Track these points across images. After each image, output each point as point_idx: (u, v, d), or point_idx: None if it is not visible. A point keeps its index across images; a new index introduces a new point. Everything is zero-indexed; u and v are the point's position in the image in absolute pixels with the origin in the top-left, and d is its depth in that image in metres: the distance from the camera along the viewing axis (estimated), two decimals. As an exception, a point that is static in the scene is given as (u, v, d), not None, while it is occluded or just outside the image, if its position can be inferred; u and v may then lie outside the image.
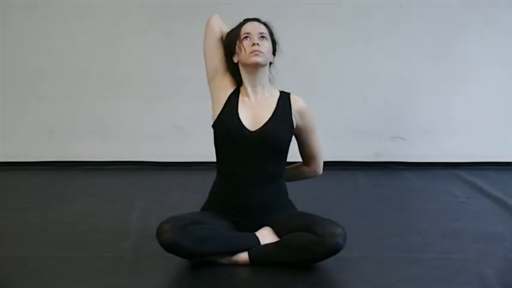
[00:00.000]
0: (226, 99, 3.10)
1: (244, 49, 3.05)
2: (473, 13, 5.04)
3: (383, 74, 5.10)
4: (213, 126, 3.11)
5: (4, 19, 4.97)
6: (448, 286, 2.88)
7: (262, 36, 3.08)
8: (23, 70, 5.04)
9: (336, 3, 5.01)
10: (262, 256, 3.00)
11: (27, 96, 5.07)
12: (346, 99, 5.11)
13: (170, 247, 2.91)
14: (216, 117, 3.10)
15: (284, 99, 3.13)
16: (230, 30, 3.16)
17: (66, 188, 4.58)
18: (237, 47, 3.08)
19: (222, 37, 3.14)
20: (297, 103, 3.13)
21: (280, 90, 3.16)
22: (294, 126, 3.12)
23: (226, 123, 3.07)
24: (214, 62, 3.13)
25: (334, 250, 2.91)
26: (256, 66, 3.06)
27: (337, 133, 5.06)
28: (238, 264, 3.02)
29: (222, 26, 3.17)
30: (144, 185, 4.66)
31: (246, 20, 3.17)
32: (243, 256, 3.02)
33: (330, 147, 4.68)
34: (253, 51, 3.03)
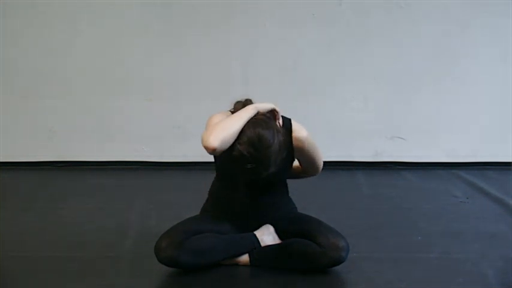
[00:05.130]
0: None
1: None
2: (473, 13, 5.03)
3: (383, 74, 5.09)
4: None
5: (4, 19, 4.96)
6: (448, 286, 2.88)
7: None
8: (23, 70, 5.04)
9: (336, 3, 5.00)
10: (262, 259, 3.01)
11: (27, 96, 5.06)
12: (346, 99, 5.10)
13: (170, 264, 2.92)
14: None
15: (285, 136, 2.94)
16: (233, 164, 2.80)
17: (66, 188, 4.58)
18: None
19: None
20: (297, 142, 3.00)
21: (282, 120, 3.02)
22: (295, 158, 3.08)
23: (228, 166, 2.90)
24: None
25: (337, 263, 2.93)
26: None
27: (337, 133, 5.05)
28: (238, 265, 3.02)
29: (223, 146, 2.75)
30: (144, 185, 4.66)
31: (248, 176, 2.82)
32: (244, 257, 3.03)
33: (330, 147, 4.69)
34: None
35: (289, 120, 3.03)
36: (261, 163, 2.75)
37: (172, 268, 2.95)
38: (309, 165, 3.16)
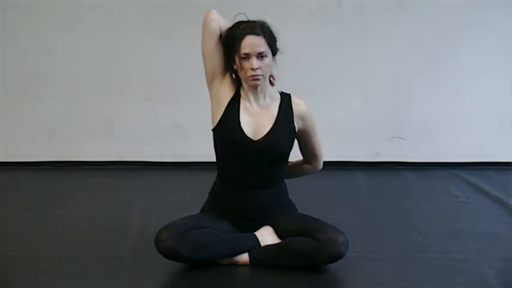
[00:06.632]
0: (226, 104, 3.05)
1: (244, 70, 2.97)
2: (473, 13, 5.04)
3: (383, 74, 5.10)
4: (213, 130, 3.09)
5: (4, 19, 4.96)
6: (448, 286, 2.88)
7: (262, 56, 2.96)
8: (23, 70, 5.04)
9: (336, 3, 5.01)
10: (262, 258, 3.01)
11: (27, 96, 5.06)
12: (346, 99, 5.10)
13: (169, 255, 2.92)
14: (216, 123, 3.06)
15: (285, 103, 3.09)
16: (229, 33, 3.00)
17: (66, 188, 4.57)
18: (236, 61, 2.98)
19: (221, 35, 3.01)
20: (298, 107, 3.10)
21: (281, 92, 3.14)
22: (296, 131, 3.11)
23: (228, 132, 3.02)
24: (213, 63, 3.02)
25: (336, 258, 2.93)
26: (256, 87, 3.04)
27: (337, 133, 5.05)
28: (238, 264, 3.02)
29: (220, 22, 3.02)
30: (144, 185, 4.66)
31: (244, 30, 2.98)
32: (243, 257, 3.03)
33: (330, 147, 4.69)
34: (252, 76, 2.96)
35: (289, 94, 3.12)
36: (254, 21, 3.02)
37: (173, 263, 2.95)
38: (310, 150, 3.19)
